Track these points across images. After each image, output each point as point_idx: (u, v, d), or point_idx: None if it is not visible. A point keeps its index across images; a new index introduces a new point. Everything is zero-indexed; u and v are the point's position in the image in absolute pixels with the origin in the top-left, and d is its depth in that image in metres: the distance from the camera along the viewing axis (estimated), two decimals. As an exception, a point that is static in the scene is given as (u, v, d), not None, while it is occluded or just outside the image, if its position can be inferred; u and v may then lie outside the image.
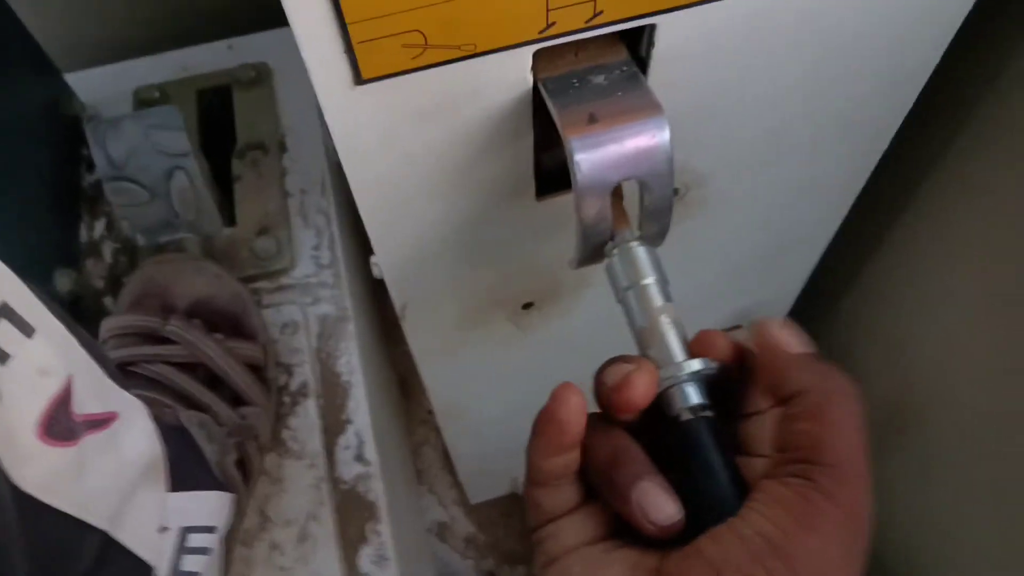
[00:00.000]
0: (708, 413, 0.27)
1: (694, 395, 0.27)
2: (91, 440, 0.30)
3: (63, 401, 0.27)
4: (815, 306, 0.72)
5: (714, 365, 0.27)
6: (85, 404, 0.30)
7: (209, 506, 0.41)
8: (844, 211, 0.54)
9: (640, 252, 0.30)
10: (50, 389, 0.27)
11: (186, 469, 0.39)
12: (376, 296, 0.80)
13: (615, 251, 0.31)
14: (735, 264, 0.55)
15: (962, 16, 0.39)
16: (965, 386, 0.58)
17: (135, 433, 0.34)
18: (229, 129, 0.64)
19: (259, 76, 0.66)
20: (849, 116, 0.43)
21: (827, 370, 0.26)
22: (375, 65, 0.28)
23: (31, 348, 0.26)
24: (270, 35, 0.69)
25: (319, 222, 0.62)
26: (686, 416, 0.27)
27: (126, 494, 0.32)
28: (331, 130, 0.31)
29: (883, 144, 0.47)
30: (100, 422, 0.31)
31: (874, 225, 0.63)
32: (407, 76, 0.29)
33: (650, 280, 0.30)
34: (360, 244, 0.70)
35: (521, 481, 0.84)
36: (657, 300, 0.29)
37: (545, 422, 0.27)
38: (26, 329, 0.26)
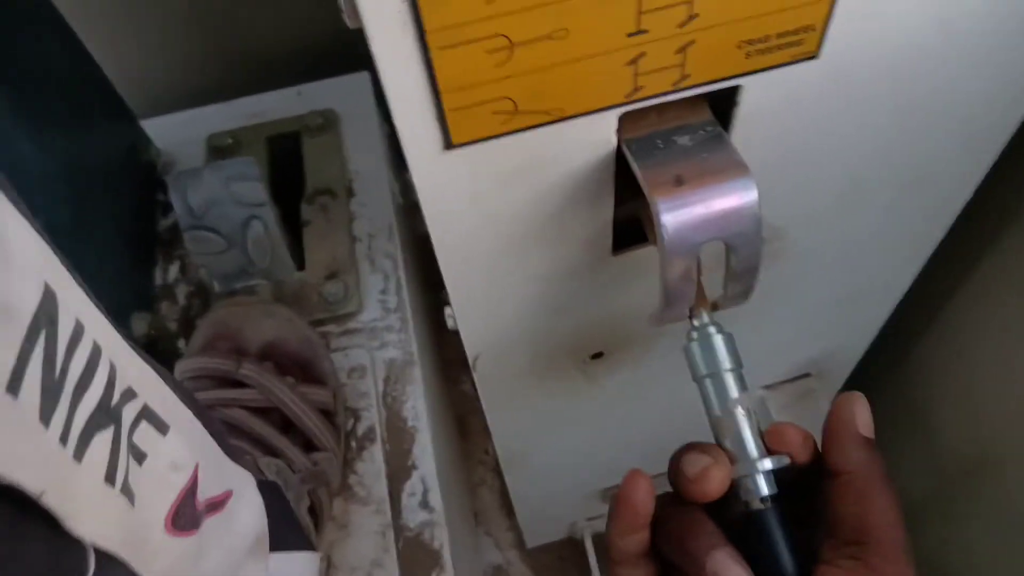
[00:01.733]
0: (777, 502, 0.29)
1: (764, 486, 0.29)
2: (210, 523, 0.30)
3: (191, 492, 0.27)
4: (888, 354, 0.70)
5: (786, 460, 0.29)
6: (208, 489, 0.30)
7: (301, 568, 0.41)
8: (922, 261, 0.52)
9: (718, 341, 0.31)
10: (180, 483, 0.27)
11: (279, 528, 0.39)
12: (438, 336, 0.80)
13: (694, 335, 0.32)
14: (808, 313, 0.54)
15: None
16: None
17: (246, 507, 0.34)
18: (298, 174, 0.66)
19: (327, 122, 0.67)
20: (929, 169, 0.42)
21: (873, 454, 0.28)
22: (466, 131, 0.29)
23: (165, 445, 0.26)
24: (337, 81, 0.71)
25: (386, 266, 0.62)
26: (756, 505, 0.29)
27: (235, 569, 0.32)
28: (419, 192, 0.31)
29: (964, 197, 0.46)
30: (219, 503, 0.31)
31: (949, 272, 0.62)
32: (496, 140, 0.30)
33: (727, 369, 0.31)
34: (425, 286, 0.70)
35: (580, 526, 0.84)
36: (733, 391, 0.30)
37: (619, 504, 0.29)
38: (162, 427, 0.26)
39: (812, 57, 0.31)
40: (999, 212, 0.55)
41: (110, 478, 0.22)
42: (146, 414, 0.25)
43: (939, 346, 0.66)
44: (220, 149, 0.67)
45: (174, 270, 0.62)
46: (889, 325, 0.61)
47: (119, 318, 0.55)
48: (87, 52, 0.60)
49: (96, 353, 0.21)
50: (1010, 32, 0.34)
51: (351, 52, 0.59)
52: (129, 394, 0.23)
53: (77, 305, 0.21)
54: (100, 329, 0.22)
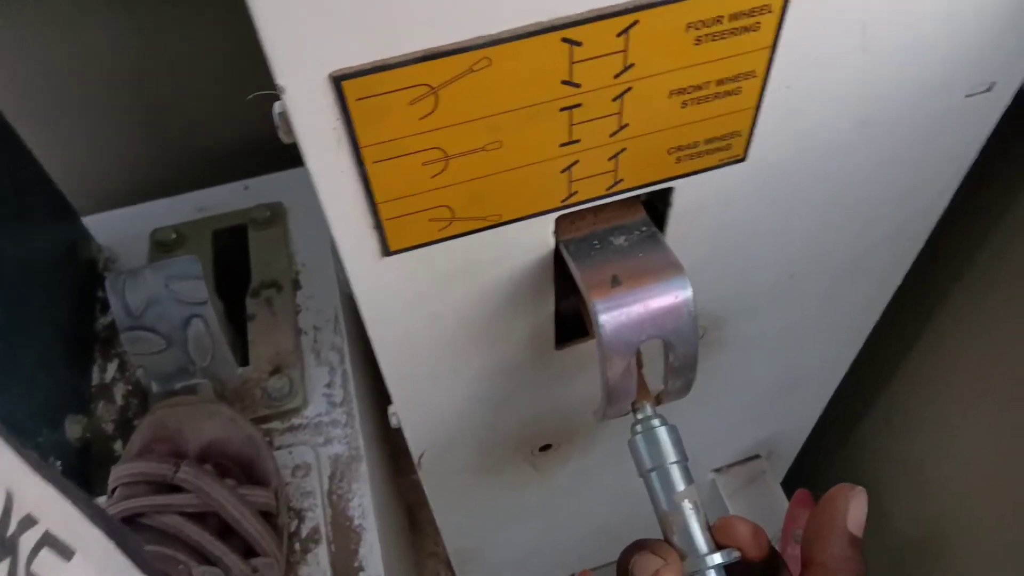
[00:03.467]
0: None
1: None
2: None
3: None
4: (835, 433, 0.71)
5: (736, 555, 0.29)
6: None
7: None
8: (860, 344, 0.54)
9: (662, 433, 0.31)
10: None
11: None
12: (387, 426, 0.79)
13: (638, 429, 0.32)
14: (752, 398, 0.55)
15: (971, 159, 0.40)
16: (991, 514, 0.57)
17: None
18: (244, 267, 0.65)
19: (274, 215, 0.67)
20: (860, 258, 0.44)
21: (857, 554, 0.28)
22: (403, 238, 0.29)
23: (68, 572, 0.25)
24: (285, 175, 0.71)
25: (332, 359, 0.61)
26: None
27: None
28: (357, 297, 0.31)
29: (896, 282, 0.48)
30: None
31: (889, 351, 0.63)
32: (434, 245, 0.30)
33: (672, 462, 0.31)
34: (373, 375, 0.69)
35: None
36: (679, 484, 0.30)
37: None
38: (66, 553, 0.25)
39: (740, 160, 0.32)
40: (935, 293, 0.57)
41: None
42: (48, 540, 0.24)
43: (884, 425, 0.67)
44: (164, 244, 0.66)
45: (112, 368, 0.61)
46: (834, 404, 0.62)
47: (53, 421, 0.54)
48: (28, 150, 0.59)
49: None
50: (928, 130, 0.36)
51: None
52: (28, 521, 0.23)
53: None
54: None
